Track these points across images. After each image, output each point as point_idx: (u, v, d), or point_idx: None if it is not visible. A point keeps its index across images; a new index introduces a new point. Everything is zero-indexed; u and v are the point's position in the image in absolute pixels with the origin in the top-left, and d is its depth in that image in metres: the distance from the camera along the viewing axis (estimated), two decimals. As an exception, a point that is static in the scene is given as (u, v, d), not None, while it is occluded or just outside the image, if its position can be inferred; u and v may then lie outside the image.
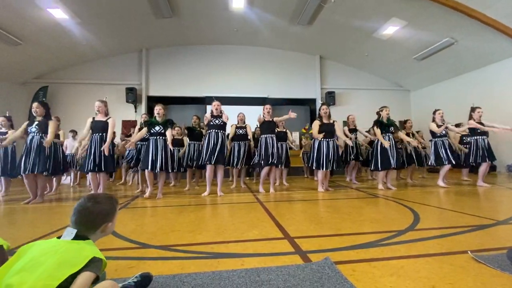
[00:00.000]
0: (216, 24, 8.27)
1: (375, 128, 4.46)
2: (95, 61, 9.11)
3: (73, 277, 0.82)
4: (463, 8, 6.05)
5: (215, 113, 4.07)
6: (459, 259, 1.33)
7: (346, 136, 5.38)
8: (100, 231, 1.02)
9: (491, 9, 5.98)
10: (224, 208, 3.05)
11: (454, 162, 4.50)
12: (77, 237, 0.94)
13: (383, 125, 4.43)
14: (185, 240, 1.79)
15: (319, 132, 4.23)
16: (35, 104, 3.66)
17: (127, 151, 5.92)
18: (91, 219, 1.00)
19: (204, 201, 3.52)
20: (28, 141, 3.58)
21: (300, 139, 8.77)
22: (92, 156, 3.65)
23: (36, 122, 3.63)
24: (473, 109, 4.76)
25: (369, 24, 7.55)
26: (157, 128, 3.83)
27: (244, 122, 5.11)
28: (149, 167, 3.73)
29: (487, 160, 4.56)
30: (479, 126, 4.54)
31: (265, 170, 4.30)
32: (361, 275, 1.18)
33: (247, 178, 6.92)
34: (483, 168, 4.61)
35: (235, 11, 7.47)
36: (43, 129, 3.61)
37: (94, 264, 0.88)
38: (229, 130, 4.94)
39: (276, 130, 4.69)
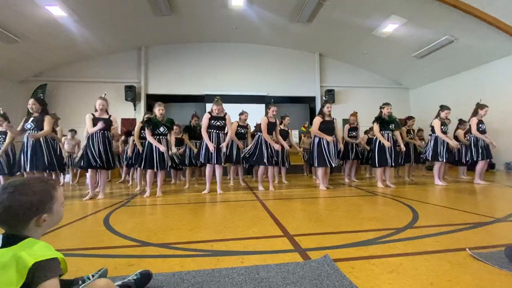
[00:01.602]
0: (215, 22, 8.24)
1: (374, 124, 4.46)
2: (93, 59, 9.07)
3: None
4: (463, 6, 6.04)
5: (214, 114, 4.05)
6: (458, 256, 1.34)
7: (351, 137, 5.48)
8: (34, 226, 0.78)
9: (490, 7, 5.97)
10: (224, 206, 3.06)
11: (446, 160, 4.49)
12: (8, 242, 0.73)
13: (384, 122, 4.42)
14: (184, 238, 1.79)
15: (320, 129, 4.22)
16: (31, 101, 3.63)
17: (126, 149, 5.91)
18: (11, 216, 0.75)
19: (203, 199, 3.52)
20: (25, 138, 3.58)
21: (300, 137, 8.77)
22: (94, 153, 3.63)
23: (32, 118, 3.62)
24: (480, 106, 4.67)
25: (368, 21, 7.54)
26: (161, 129, 3.86)
27: (245, 122, 5.11)
28: (154, 167, 3.74)
29: (485, 158, 4.57)
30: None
31: (262, 168, 4.31)
32: (360, 272, 1.19)
33: (246, 176, 6.93)
34: (480, 165, 4.62)
35: (234, 9, 7.44)
36: (39, 125, 3.59)
37: (42, 271, 0.69)
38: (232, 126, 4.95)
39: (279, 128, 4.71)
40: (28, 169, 3.49)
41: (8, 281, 0.67)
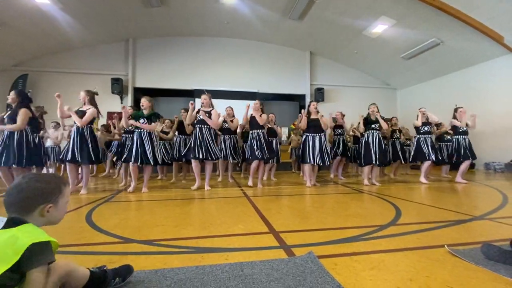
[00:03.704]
0: (206, 16, 8.11)
1: (360, 123, 4.64)
2: (79, 50, 8.75)
3: (12, 271, 0.72)
4: (449, 9, 6.19)
5: (203, 108, 4.01)
6: (437, 253, 1.38)
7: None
8: (38, 215, 0.86)
9: (475, 11, 6.15)
10: (211, 203, 3.04)
11: (434, 159, 4.65)
12: (9, 224, 0.80)
13: (368, 121, 4.56)
14: (169, 234, 1.77)
15: (307, 127, 4.35)
16: (12, 93, 3.52)
17: (112, 143, 5.78)
18: (23, 198, 0.84)
19: (190, 195, 3.49)
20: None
21: (289, 135, 8.82)
22: (71, 146, 3.54)
23: (9, 112, 3.51)
24: (455, 110, 4.93)
25: (359, 21, 7.61)
26: (141, 121, 3.76)
27: (233, 116, 5.07)
28: (133, 160, 3.66)
29: (468, 158, 4.73)
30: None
31: (254, 164, 4.30)
32: (342, 269, 1.20)
33: (235, 172, 6.91)
34: (464, 165, 4.79)
35: (226, 3, 7.35)
36: (13, 118, 3.45)
37: (36, 253, 0.75)
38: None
39: (266, 126, 4.71)
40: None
41: (6, 257, 0.71)
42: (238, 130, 5.33)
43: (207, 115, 3.92)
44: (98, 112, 3.77)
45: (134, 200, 3.22)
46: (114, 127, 5.39)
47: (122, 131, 4.79)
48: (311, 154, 4.22)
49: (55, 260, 0.81)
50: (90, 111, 3.62)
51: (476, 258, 1.28)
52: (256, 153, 4.17)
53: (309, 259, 1.28)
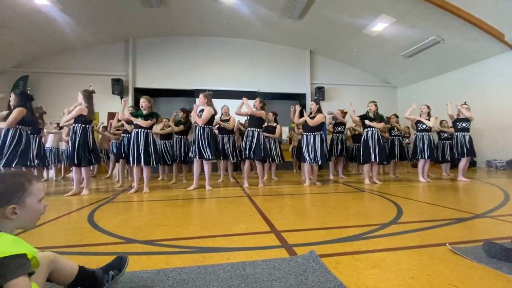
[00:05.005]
0: (206, 16, 8.11)
1: (351, 112, 4.80)
2: (79, 50, 8.76)
3: None
4: (450, 7, 6.17)
5: (200, 108, 4.03)
6: (438, 251, 1.38)
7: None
8: (2, 218, 0.77)
9: (476, 9, 6.13)
10: (212, 203, 3.04)
11: (429, 157, 4.64)
12: None
13: (364, 118, 4.60)
14: (171, 234, 1.77)
15: (303, 126, 4.41)
16: (11, 94, 3.53)
17: (111, 144, 5.79)
18: None
19: (191, 195, 3.49)
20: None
21: (290, 134, 8.81)
22: (73, 149, 3.55)
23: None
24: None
25: (359, 20, 7.60)
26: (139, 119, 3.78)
27: (229, 115, 5.08)
28: (132, 162, 3.67)
29: (466, 156, 4.72)
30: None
31: (247, 163, 4.32)
32: (344, 268, 1.20)
33: (235, 172, 6.91)
34: (463, 163, 4.78)
35: (225, 3, 7.35)
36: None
37: (4, 269, 0.66)
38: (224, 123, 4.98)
39: (266, 124, 4.71)
40: None
41: None
42: (235, 129, 5.34)
43: (199, 114, 3.94)
44: (90, 110, 3.66)
45: (135, 200, 3.22)
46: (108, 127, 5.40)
47: (121, 131, 4.80)
48: (307, 153, 4.23)
49: (33, 271, 0.73)
50: (76, 109, 3.57)
51: (478, 256, 1.28)
52: (247, 152, 4.17)
53: (310, 258, 1.29)
